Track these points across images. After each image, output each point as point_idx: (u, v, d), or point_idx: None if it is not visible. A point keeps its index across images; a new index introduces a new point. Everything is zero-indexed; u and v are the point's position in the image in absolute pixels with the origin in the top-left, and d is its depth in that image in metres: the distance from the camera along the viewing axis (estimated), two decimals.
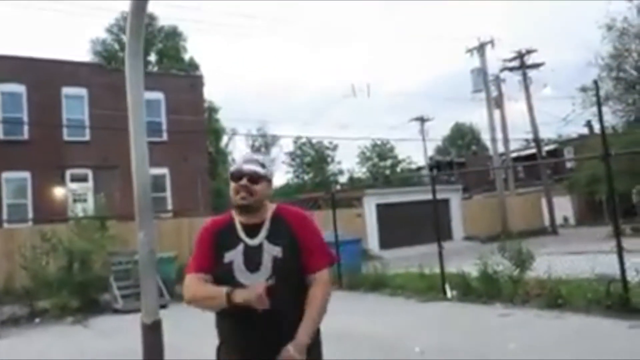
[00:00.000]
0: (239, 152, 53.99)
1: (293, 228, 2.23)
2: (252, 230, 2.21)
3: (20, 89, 18.91)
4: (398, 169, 44.37)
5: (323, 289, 2.22)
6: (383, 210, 22.93)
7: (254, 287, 2.06)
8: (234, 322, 2.14)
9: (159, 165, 21.35)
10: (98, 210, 14.57)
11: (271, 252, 2.16)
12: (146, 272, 3.84)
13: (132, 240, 14.98)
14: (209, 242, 2.23)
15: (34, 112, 19.04)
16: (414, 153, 67.50)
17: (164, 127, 21.85)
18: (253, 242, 2.19)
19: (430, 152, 52.16)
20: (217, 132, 37.76)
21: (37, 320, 10.49)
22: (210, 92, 46.19)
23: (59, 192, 19.15)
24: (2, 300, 11.60)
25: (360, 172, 45.89)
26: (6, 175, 18.47)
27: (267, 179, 2.26)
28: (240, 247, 2.18)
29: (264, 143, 47.76)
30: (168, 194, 21.58)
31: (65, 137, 19.50)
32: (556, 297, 7.03)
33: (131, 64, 3.94)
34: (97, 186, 19.94)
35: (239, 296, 2.03)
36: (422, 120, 38.77)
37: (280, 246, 2.17)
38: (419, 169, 44.39)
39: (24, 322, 10.35)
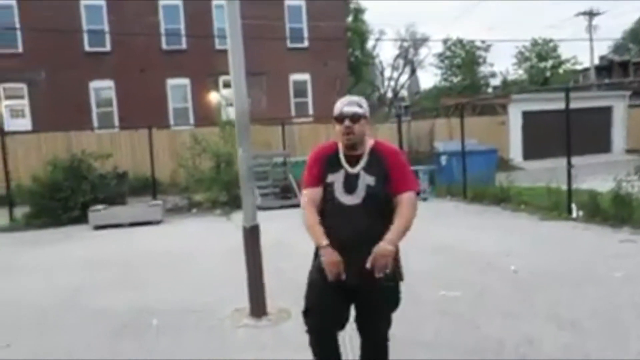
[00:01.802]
0: (385, 54, 52.77)
1: (386, 162, 2.59)
2: (352, 160, 2.61)
3: (177, 1, 20.56)
4: (560, 71, 39.95)
5: (409, 206, 2.56)
6: (530, 118, 21.39)
7: (333, 260, 2.47)
8: (332, 227, 2.54)
9: (300, 71, 22.21)
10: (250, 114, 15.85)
11: (365, 180, 2.56)
12: (246, 185, 4.41)
13: (274, 143, 16.19)
14: (318, 163, 2.67)
15: (189, 23, 20.72)
16: (582, 53, 59.69)
17: (305, 33, 22.28)
18: (352, 170, 2.59)
19: (604, 51, 45.81)
20: (362, 35, 37.28)
21: (193, 210, 12.32)
22: None
23: (213, 97, 21.11)
24: (168, 192, 13.73)
25: (517, 74, 42.31)
26: (171, 81, 20.79)
27: (365, 117, 2.61)
28: (342, 172, 2.59)
29: (412, 44, 46.07)
30: (309, 99, 22.48)
31: (217, 46, 21.01)
32: None
33: None
34: (247, 91, 21.52)
35: (323, 259, 2.48)
36: (590, 14, 33.82)
37: (374, 176, 2.55)
38: (585, 70, 39.52)
39: (184, 211, 12.23)
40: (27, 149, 14.79)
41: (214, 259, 6.95)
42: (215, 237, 8.71)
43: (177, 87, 20.96)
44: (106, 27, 19.80)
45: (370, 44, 40.78)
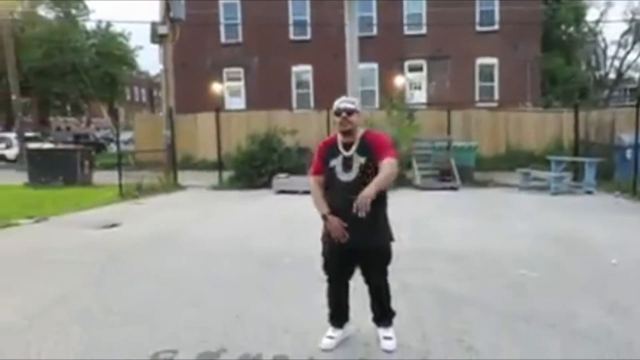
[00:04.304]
0: (609, 30, 46.48)
1: (372, 145, 3.37)
2: (347, 146, 3.39)
3: None
4: None
5: (387, 167, 3.27)
6: None
7: (335, 224, 3.27)
8: (335, 200, 3.37)
9: (487, 55, 21.97)
10: (430, 98, 16.70)
11: (358, 160, 3.33)
12: None
13: (447, 127, 16.69)
14: (321, 153, 3.51)
15: (381, 11, 22.08)
16: None
17: (496, 16, 21.83)
18: (348, 153, 3.37)
19: None
20: (576, 10, 34.16)
21: None
22: None
23: (398, 80, 22.28)
24: None
25: None
26: (361, 66, 22.47)
27: (357, 112, 3.39)
28: (340, 157, 3.38)
29: None
30: (495, 83, 22.12)
31: (405, 32, 22.05)
32: None
33: None
34: (430, 75, 22.21)
35: (328, 225, 3.34)
36: None
37: (365, 157, 3.35)
38: None
39: None
40: (238, 124, 17.96)
41: None
42: None
43: (367, 71, 22.56)
44: (308, 18, 22.38)
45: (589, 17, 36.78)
